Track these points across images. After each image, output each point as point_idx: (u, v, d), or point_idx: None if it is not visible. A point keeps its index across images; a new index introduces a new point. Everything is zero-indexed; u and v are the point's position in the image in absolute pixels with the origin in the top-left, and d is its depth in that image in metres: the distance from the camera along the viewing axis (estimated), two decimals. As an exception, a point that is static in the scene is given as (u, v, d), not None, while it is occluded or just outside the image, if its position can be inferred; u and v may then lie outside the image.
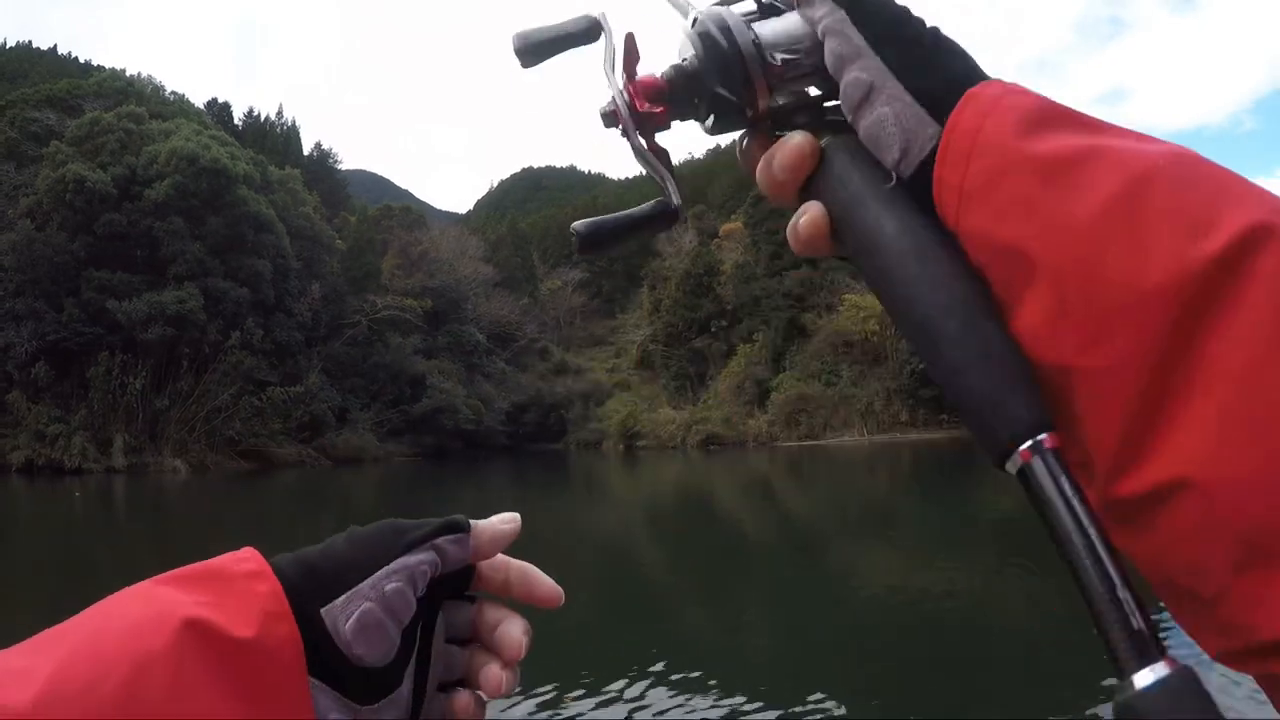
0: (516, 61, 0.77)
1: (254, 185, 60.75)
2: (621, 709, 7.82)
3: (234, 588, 0.65)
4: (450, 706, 0.76)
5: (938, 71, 0.63)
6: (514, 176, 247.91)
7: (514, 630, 0.76)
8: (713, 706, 7.85)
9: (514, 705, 7.78)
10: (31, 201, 55.16)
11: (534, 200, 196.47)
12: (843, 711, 7.78)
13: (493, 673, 0.75)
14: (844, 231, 0.65)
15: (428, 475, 48.93)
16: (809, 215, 0.66)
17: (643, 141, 0.73)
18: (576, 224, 0.76)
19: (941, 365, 0.58)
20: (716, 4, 0.73)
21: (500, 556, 0.78)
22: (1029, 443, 0.54)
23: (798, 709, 7.71)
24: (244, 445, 55.95)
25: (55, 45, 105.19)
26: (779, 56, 0.69)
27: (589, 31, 0.75)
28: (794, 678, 8.86)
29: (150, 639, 0.59)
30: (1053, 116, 0.59)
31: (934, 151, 0.60)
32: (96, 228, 54.50)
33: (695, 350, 75.56)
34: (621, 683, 8.49)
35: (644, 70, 0.75)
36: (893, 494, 29.48)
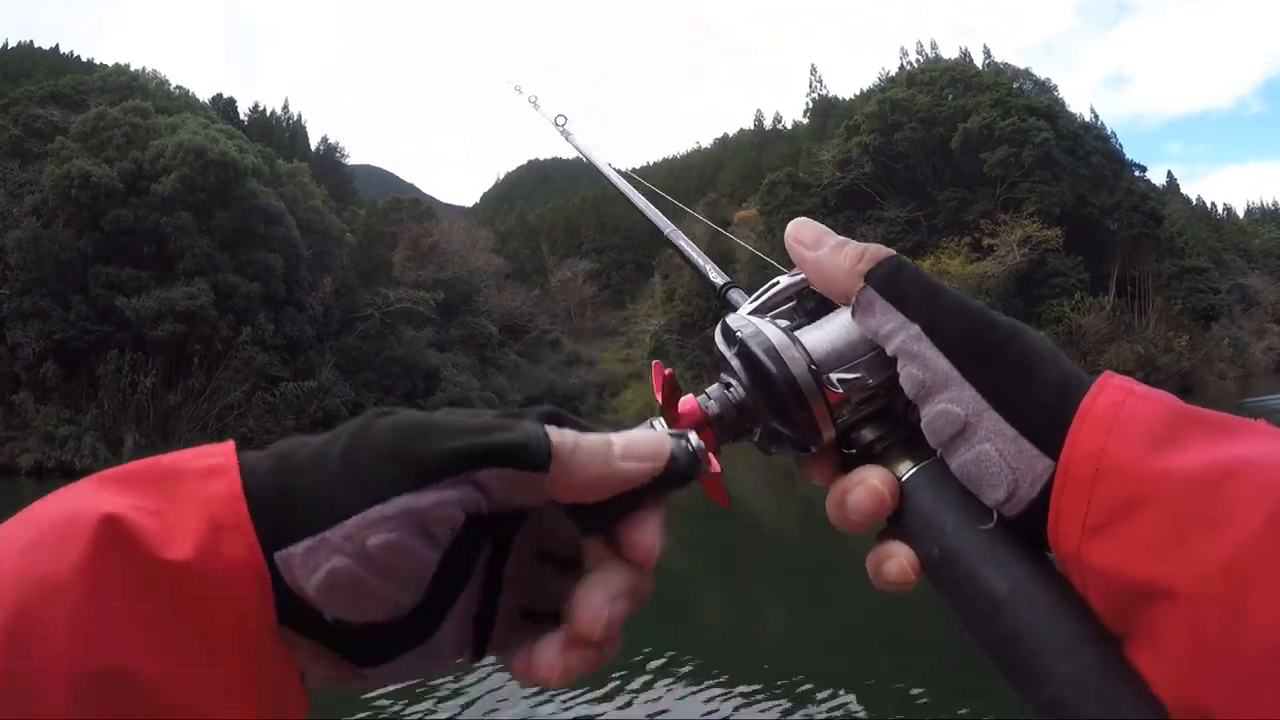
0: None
1: (263, 178, 59.90)
2: (632, 698, 7.72)
3: (182, 488, 0.51)
4: (532, 648, 0.57)
5: (1038, 395, 0.56)
6: (520, 169, 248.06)
7: (645, 536, 0.57)
8: (725, 698, 7.76)
9: (526, 697, 7.73)
10: (37, 199, 54.15)
11: (541, 192, 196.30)
12: (862, 707, 7.65)
13: (591, 602, 0.55)
14: (939, 580, 0.59)
15: None
16: (898, 563, 0.60)
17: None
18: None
19: None
20: (751, 312, 0.66)
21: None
22: None
23: (816, 699, 7.58)
24: (257, 442, 53.64)
25: (57, 44, 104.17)
26: (838, 379, 0.62)
27: (689, 467, 0.59)
28: (811, 668, 8.69)
29: (52, 554, 0.46)
30: (1180, 422, 0.53)
31: (1044, 489, 0.54)
32: (104, 224, 53.50)
33: (710, 339, 73.87)
34: (632, 675, 8.39)
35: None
36: None
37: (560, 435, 0.53)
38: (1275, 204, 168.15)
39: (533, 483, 0.52)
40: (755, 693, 7.86)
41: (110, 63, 77.50)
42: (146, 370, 52.10)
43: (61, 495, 0.51)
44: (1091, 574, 0.52)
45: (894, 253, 0.64)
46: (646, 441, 0.56)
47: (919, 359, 0.59)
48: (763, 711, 7.49)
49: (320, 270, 64.25)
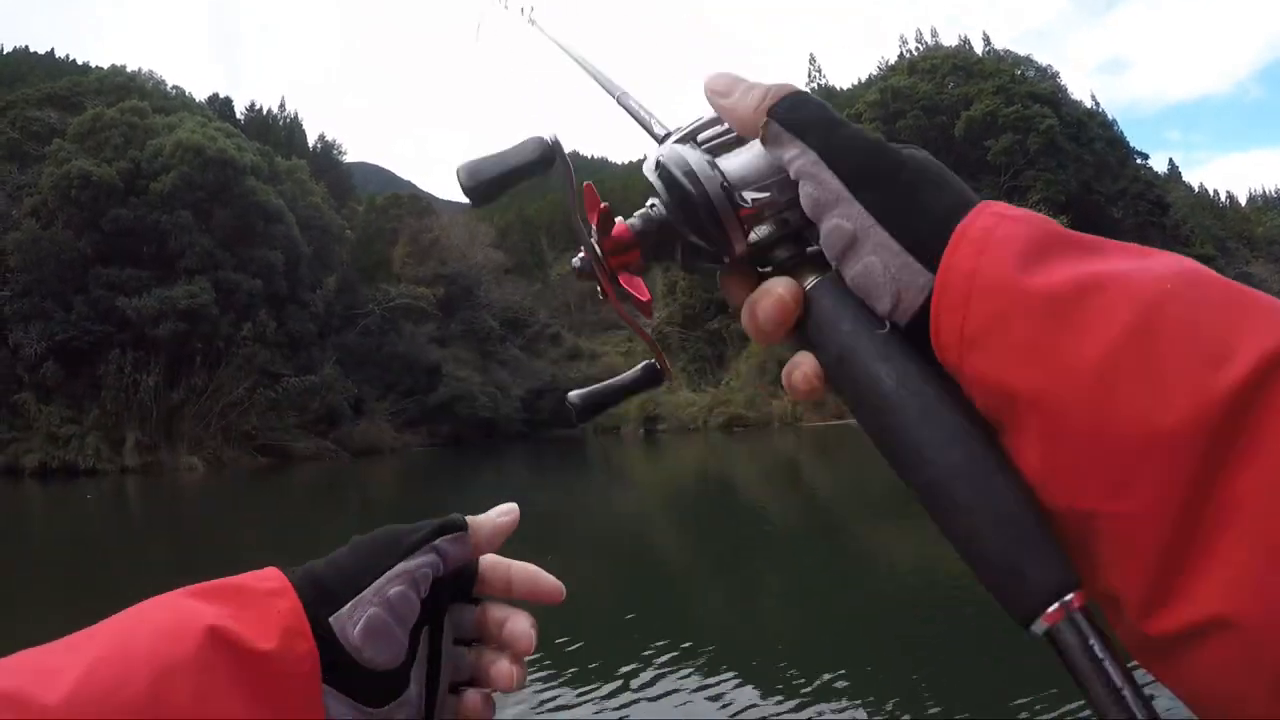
0: (466, 198, 0.73)
1: (262, 176, 59.89)
2: (640, 694, 7.74)
3: (256, 603, 0.69)
4: (461, 706, 0.80)
5: (923, 212, 0.60)
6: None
7: (521, 625, 0.80)
8: (736, 689, 7.78)
9: (538, 691, 7.81)
10: (36, 200, 54.24)
11: (538, 187, 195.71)
12: (865, 697, 7.61)
13: (503, 669, 0.80)
14: (838, 382, 0.63)
15: (447, 465, 48.64)
16: (801, 370, 0.65)
17: (621, 297, 0.71)
18: (571, 395, 0.79)
19: (954, 530, 0.56)
20: (676, 141, 0.72)
21: (501, 559, 0.82)
22: (1055, 604, 0.52)
23: (821, 693, 7.60)
24: (261, 440, 55.04)
25: (53, 49, 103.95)
26: (750, 197, 0.66)
27: (544, 159, 0.72)
28: (817, 662, 8.63)
29: (176, 645, 0.62)
30: (1050, 244, 0.56)
31: (928, 300, 0.58)
32: (103, 224, 53.56)
33: (712, 332, 74.41)
34: (639, 666, 8.46)
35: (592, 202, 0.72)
36: None
37: (467, 518, 0.78)
38: (1278, 191, 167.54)
39: (463, 540, 0.77)
40: (764, 689, 7.86)
41: (106, 66, 77.51)
42: (148, 369, 52.24)
43: (163, 603, 0.68)
44: (970, 382, 0.56)
45: (797, 88, 0.67)
46: (508, 505, 0.81)
47: (814, 179, 0.62)
48: (775, 705, 7.44)
49: (321, 267, 64.23)
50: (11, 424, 51.46)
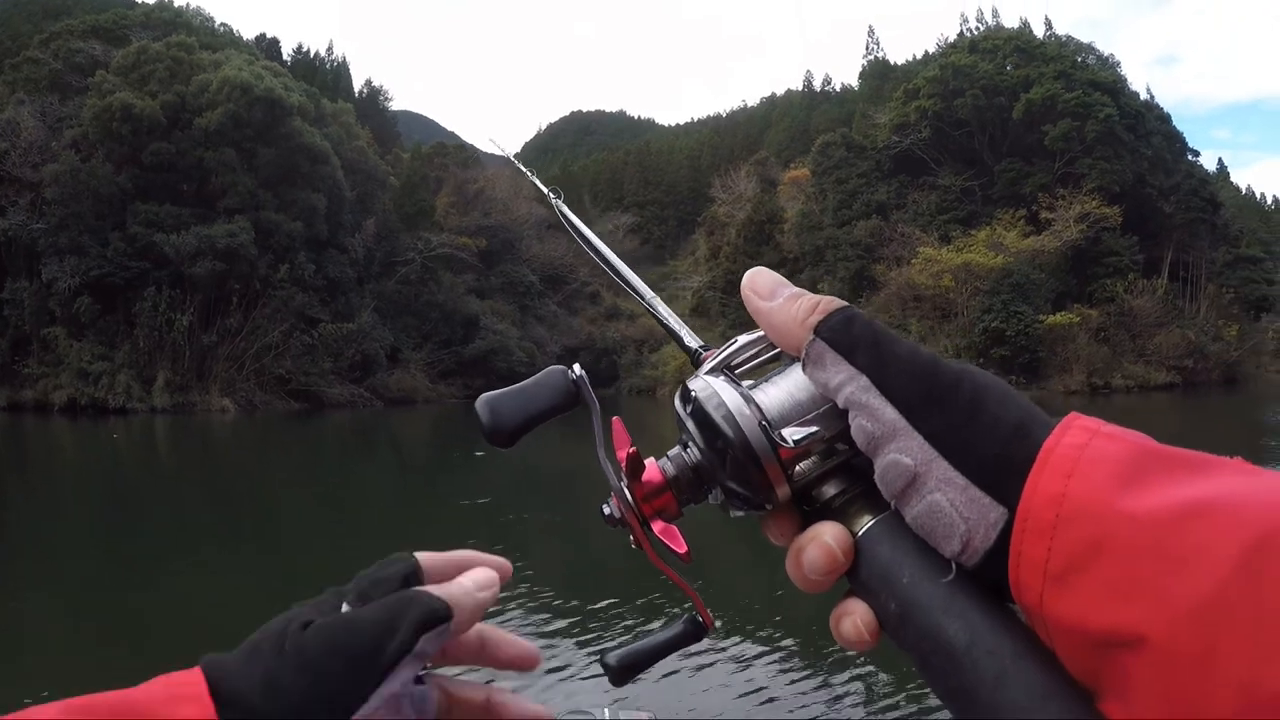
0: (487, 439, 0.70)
1: (308, 117, 58.98)
2: (656, 668, 7.10)
3: None
4: None
5: (990, 439, 0.56)
6: (562, 120, 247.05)
7: (475, 695, 0.68)
8: (761, 664, 7.67)
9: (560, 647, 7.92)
10: (77, 133, 53.49)
11: (583, 145, 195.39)
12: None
13: (508, 640, 0.69)
14: (898, 636, 0.58)
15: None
16: (853, 620, 0.60)
17: (657, 551, 0.68)
18: (608, 657, 0.72)
19: None
20: (708, 371, 0.67)
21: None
22: None
23: (841, 663, 7.49)
24: (294, 384, 54.50)
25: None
26: (793, 437, 0.62)
27: (568, 400, 0.69)
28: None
29: None
30: (1150, 462, 0.52)
31: (1000, 538, 0.54)
32: (144, 158, 52.76)
33: (752, 298, 73.51)
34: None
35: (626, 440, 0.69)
36: None
37: (441, 589, 0.63)
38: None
39: (444, 633, 0.60)
40: (782, 663, 7.69)
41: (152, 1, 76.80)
42: (184, 308, 51.48)
43: None
44: (1056, 623, 0.51)
45: (846, 304, 0.64)
46: (484, 575, 0.65)
47: (867, 409, 0.59)
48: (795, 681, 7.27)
49: (363, 213, 63.54)
50: (42, 359, 51.09)
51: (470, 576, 0.65)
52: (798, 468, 0.62)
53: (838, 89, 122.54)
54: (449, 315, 67.38)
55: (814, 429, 0.62)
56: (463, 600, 0.62)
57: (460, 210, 74.50)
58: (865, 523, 0.60)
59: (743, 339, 0.69)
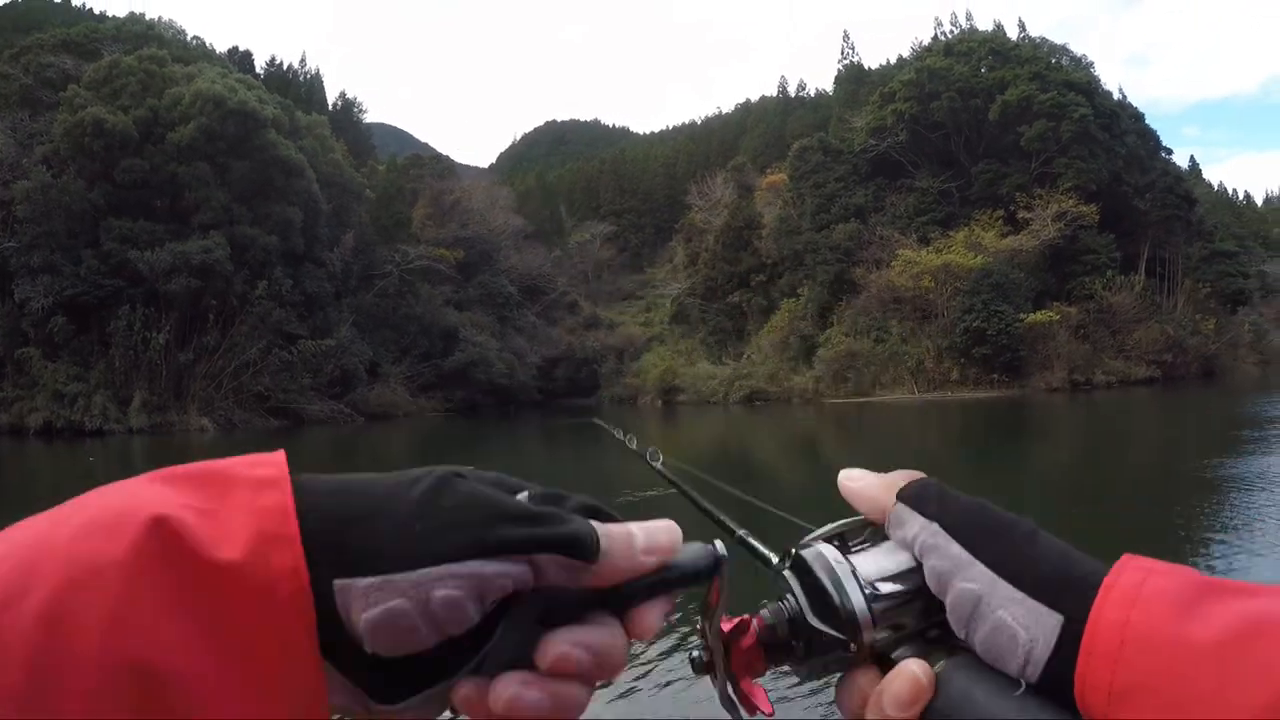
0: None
1: (283, 130, 58.45)
2: (641, 683, 7.37)
3: (234, 494, 0.53)
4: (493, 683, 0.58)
5: (1043, 562, 0.61)
6: (537, 130, 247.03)
7: (648, 619, 0.62)
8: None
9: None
10: (48, 149, 52.75)
11: (557, 154, 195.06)
12: None
13: (563, 639, 0.58)
14: None
15: (459, 431, 47.86)
16: None
17: (736, 698, 0.69)
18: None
19: None
20: (808, 539, 0.73)
21: (622, 528, 0.61)
22: None
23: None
24: (273, 402, 53.89)
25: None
26: (883, 588, 0.67)
27: (708, 571, 0.66)
28: None
29: (102, 543, 0.48)
30: (1204, 592, 0.55)
31: (1059, 643, 0.57)
32: (116, 174, 52.05)
33: (733, 305, 73.62)
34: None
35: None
36: (946, 449, 27.99)
37: (603, 530, 0.58)
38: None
39: (579, 569, 0.57)
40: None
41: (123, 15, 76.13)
42: (159, 326, 50.79)
43: (115, 488, 0.53)
44: None
45: (923, 474, 0.71)
46: (665, 537, 0.61)
47: (937, 550, 0.64)
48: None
49: (339, 226, 63.03)
50: (16, 382, 50.26)
51: (645, 529, 0.62)
52: (881, 621, 0.66)
53: (812, 94, 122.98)
54: (428, 328, 67.11)
55: (898, 585, 0.67)
56: (618, 546, 0.59)
57: (437, 222, 74.31)
58: (940, 663, 0.63)
59: (838, 522, 0.73)
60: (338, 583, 0.52)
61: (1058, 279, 60.99)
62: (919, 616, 0.68)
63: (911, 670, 0.62)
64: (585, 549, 0.57)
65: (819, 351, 62.49)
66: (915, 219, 66.24)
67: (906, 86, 71.06)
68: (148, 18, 74.47)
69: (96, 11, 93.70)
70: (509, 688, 0.56)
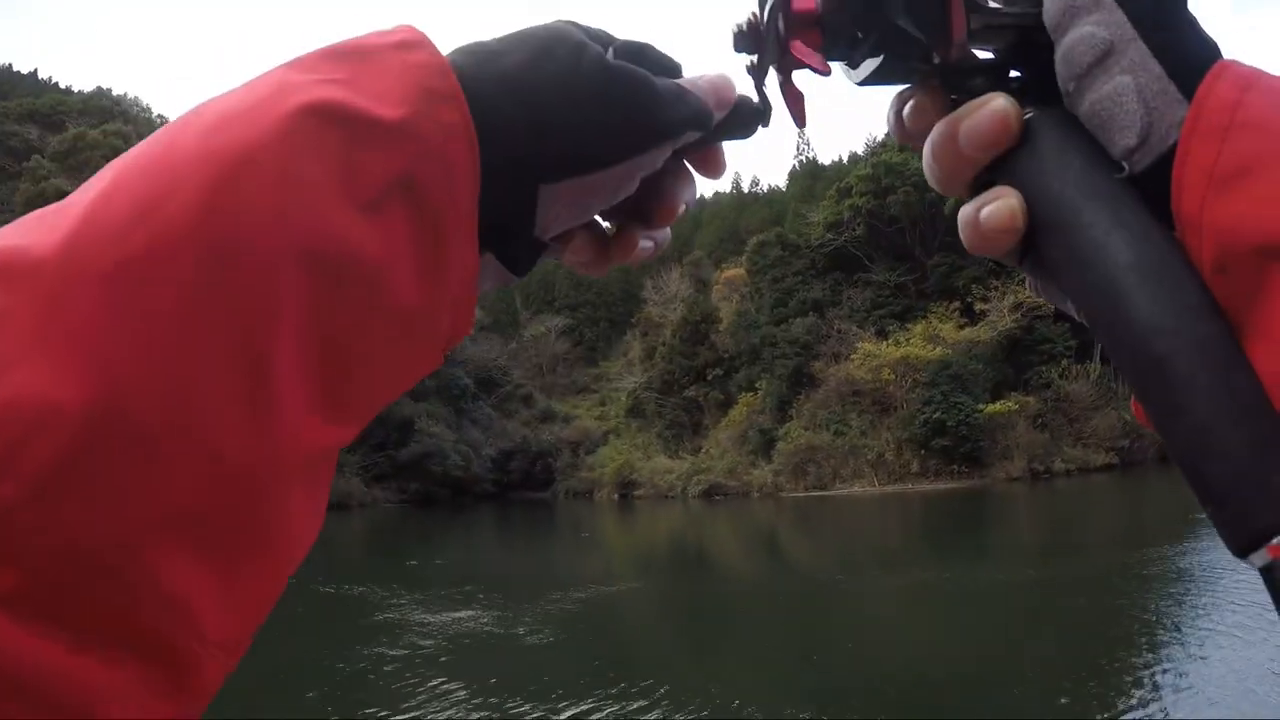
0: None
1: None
2: None
3: (375, 60, 0.47)
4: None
5: (1189, 36, 0.51)
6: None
7: (719, 157, 0.63)
8: None
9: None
10: (8, 218, 52.10)
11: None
12: None
13: (679, 192, 0.63)
14: (1049, 234, 0.52)
15: (416, 523, 48.16)
16: (1002, 204, 0.52)
17: (782, 88, 0.61)
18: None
19: (1182, 420, 0.45)
20: None
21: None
22: None
23: None
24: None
25: (36, 70, 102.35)
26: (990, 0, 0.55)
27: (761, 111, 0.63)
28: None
29: (242, 131, 0.41)
30: None
31: (1175, 144, 0.49)
32: (78, 248, 51.52)
33: (689, 399, 73.52)
34: None
35: None
36: (906, 543, 27.95)
37: (707, 88, 0.58)
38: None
39: (694, 141, 0.59)
40: None
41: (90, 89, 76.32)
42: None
43: (248, 83, 0.46)
44: (1213, 228, 0.46)
45: None
46: (724, 87, 0.59)
47: None
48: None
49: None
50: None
51: (711, 81, 0.59)
52: (969, 47, 0.57)
53: (766, 190, 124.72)
54: (384, 418, 66.25)
55: (1010, 8, 0.56)
56: (712, 105, 0.58)
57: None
58: (1029, 111, 0.54)
59: None
60: (544, 187, 0.51)
61: (1015, 369, 61.51)
62: (1009, 52, 0.57)
63: (1001, 104, 0.53)
64: (705, 121, 0.57)
65: (778, 445, 62.25)
66: (873, 312, 66.92)
67: (863, 181, 72.29)
68: (114, 93, 74.75)
69: (63, 85, 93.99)
70: (636, 239, 0.62)
